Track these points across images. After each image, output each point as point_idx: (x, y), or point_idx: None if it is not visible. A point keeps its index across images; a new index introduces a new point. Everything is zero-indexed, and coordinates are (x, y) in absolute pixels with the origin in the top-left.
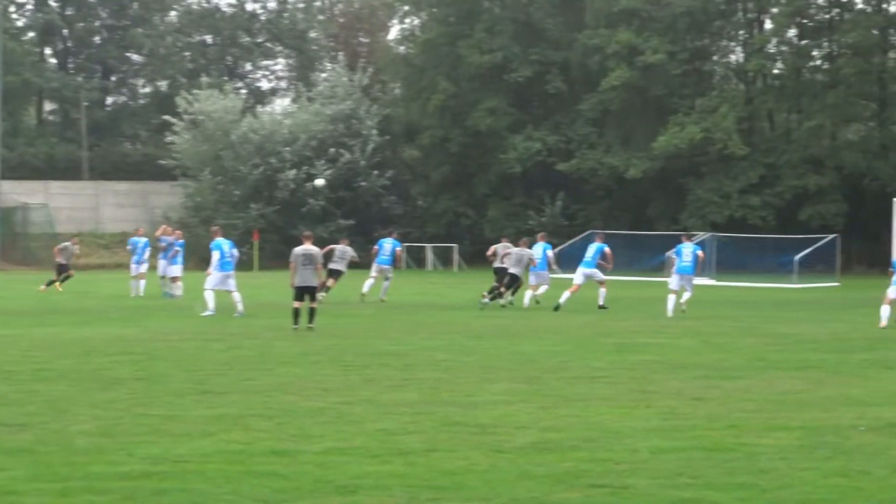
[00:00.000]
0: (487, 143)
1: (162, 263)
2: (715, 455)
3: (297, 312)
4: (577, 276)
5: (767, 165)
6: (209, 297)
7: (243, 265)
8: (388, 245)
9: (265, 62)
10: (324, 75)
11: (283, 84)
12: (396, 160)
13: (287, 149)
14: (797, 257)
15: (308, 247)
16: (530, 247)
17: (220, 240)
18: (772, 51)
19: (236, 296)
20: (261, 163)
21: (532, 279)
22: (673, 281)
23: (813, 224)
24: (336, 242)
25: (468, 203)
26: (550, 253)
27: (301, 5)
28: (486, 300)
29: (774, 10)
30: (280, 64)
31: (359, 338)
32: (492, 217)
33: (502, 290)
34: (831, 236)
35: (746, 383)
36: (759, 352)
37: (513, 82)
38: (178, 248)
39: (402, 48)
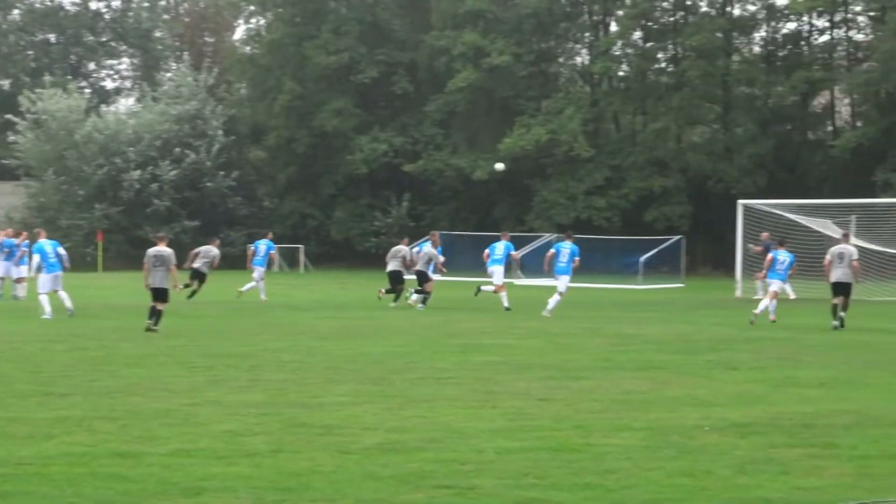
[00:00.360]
0: (334, 144)
1: (5, 265)
2: (561, 455)
3: (157, 313)
4: (497, 276)
5: (613, 167)
6: (44, 301)
7: (87, 266)
8: (262, 247)
9: (109, 61)
10: (169, 75)
11: (128, 84)
12: (242, 161)
13: (132, 149)
14: (642, 258)
15: (160, 248)
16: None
17: (41, 242)
18: (617, 53)
19: (62, 294)
20: (105, 163)
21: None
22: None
23: (658, 225)
24: (205, 244)
25: (314, 204)
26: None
27: (146, 4)
28: (421, 307)
29: (620, 12)
30: (125, 63)
31: (205, 339)
32: (338, 218)
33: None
34: (676, 238)
35: (592, 384)
36: (604, 352)
37: (359, 83)
38: (24, 249)
39: (247, 48)
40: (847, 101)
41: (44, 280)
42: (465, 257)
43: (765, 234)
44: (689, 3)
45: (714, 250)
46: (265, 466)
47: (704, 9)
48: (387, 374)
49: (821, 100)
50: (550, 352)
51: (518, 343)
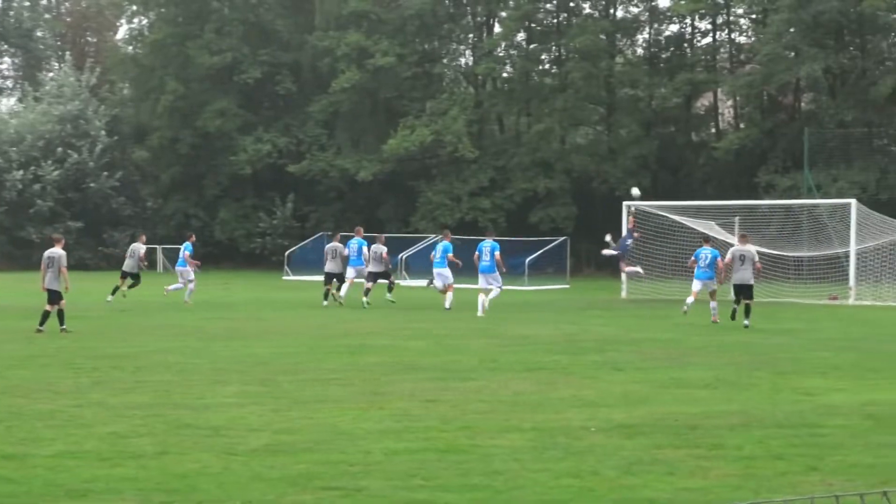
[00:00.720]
0: (217, 145)
1: None
2: (448, 456)
3: (45, 315)
4: (444, 278)
5: (497, 168)
6: None
7: None
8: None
9: None
10: (51, 75)
11: (9, 83)
12: (126, 161)
13: (13, 149)
14: (528, 260)
15: (53, 250)
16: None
17: None
18: (501, 54)
19: None
20: None
21: (482, 282)
22: (481, 281)
23: (543, 227)
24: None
25: (199, 204)
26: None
27: (27, 3)
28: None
29: (503, 14)
30: (6, 63)
31: (89, 340)
32: (223, 218)
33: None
34: (561, 239)
35: (479, 385)
36: (491, 353)
37: (242, 83)
38: None
39: (130, 48)
40: (730, 103)
41: None
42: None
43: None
44: (572, 4)
45: (599, 251)
46: (151, 468)
47: (588, 10)
48: (273, 376)
49: (704, 102)
50: (437, 353)
51: (405, 344)
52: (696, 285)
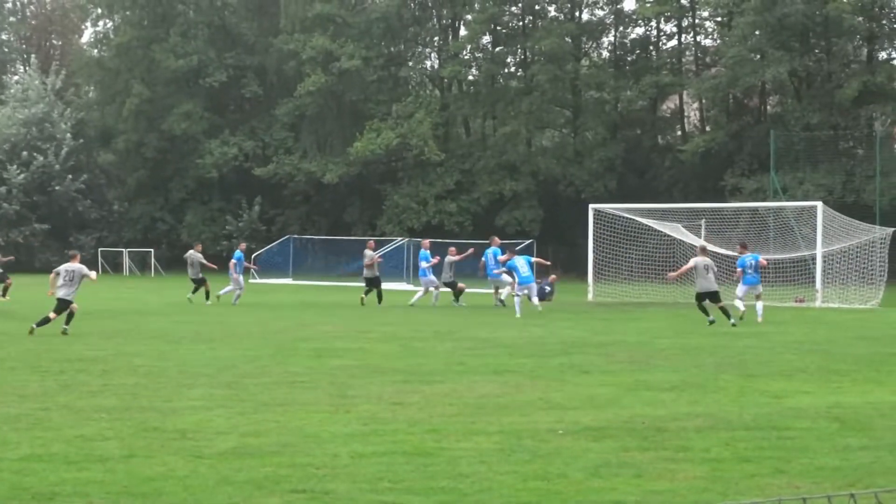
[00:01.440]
0: (184, 148)
1: None
2: (415, 459)
3: (46, 320)
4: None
5: (463, 171)
6: None
7: None
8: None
9: None
10: (16, 78)
11: None
12: (91, 164)
13: None
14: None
15: (72, 265)
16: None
17: None
18: (466, 57)
19: None
20: None
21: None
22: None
23: (510, 229)
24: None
25: (165, 208)
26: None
27: None
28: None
29: (468, 16)
30: None
31: (55, 343)
32: (189, 222)
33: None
34: (527, 241)
35: (446, 388)
36: (457, 356)
37: (208, 87)
38: None
39: (95, 51)
40: (696, 105)
41: None
42: (316, 262)
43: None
44: (537, 7)
45: (565, 253)
46: (118, 471)
47: (553, 13)
48: (240, 379)
49: (670, 104)
50: (404, 356)
51: (371, 347)
52: (742, 290)
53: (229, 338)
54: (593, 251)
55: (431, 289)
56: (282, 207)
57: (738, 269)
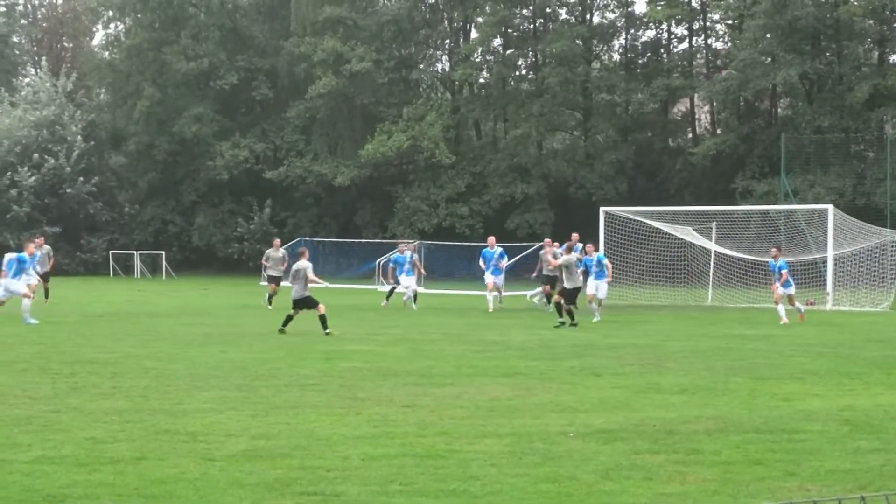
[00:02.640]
0: (194, 150)
1: None
2: (426, 462)
3: (288, 318)
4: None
5: (474, 174)
6: None
7: None
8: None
9: None
10: (27, 80)
11: None
12: (103, 167)
13: None
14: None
15: (300, 262)
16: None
17: None
18: (477, 60)
19: None
20: None
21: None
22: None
23: (521, 232)
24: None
25: (176, 210)
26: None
27: (2, 9)
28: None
29: (480, 19)
30: None
31: (66, 346)
32: (200, 224)
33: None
34: (538, 244)
35: (457, 390)
36: (468, 359)
37: (219, 89)
38: None
39: (106, 54)
40: (707, 108)
41: None
42: (327, 264)
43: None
44: (548, 10)
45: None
46: (129, 473)
47: (564, 16)
48: (251, 381)
49: (681, 107)
50: (414, 358)
51: (382, 350)
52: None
53: (240, 340)
54: (604, 254)
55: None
56: (293, 210)
57: (784, 272)
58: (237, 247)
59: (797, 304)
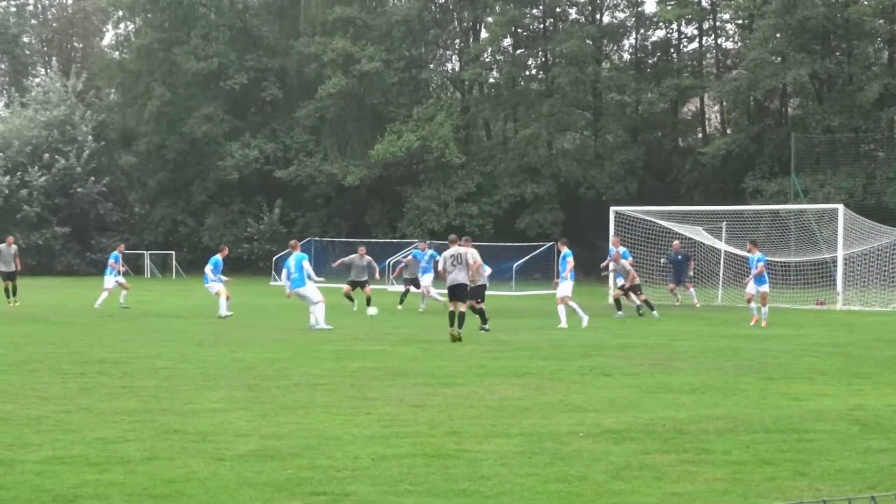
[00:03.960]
0: (204, 150)
1: None
2: (436, 461)
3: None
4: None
5: (485, 174)
6: None
7: None
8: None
9: None
10: (37, 80)
11: None
12: (113, 167)
13: (0, 154)
14: (515, 265)
15: (456, 248)
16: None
17: None
18: (487, 60)
19: None
20: None
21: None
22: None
23: (531, 232)
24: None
25: (186, 210)
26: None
27: (13, 9)
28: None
29: (489, 19)
30: None
31: (76, 346)
32: (210, 224)
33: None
34: (548, 244)
35: (467, 390)
36: (478, 359)
37: (229, 89)
38: None
39: (116, 53)
40: (717, 108)
41: None
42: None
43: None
44: (558, 10)
45: (585, 256)
46: (139, 473)
47: (574, 16)
48: (260, 381)
49: (691, 107)
50: (424, 358)
51: (392, 350)
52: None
53: (250, 340)
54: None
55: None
56: (302, 210)
57: (760, 265)
58: (247, 247)
59: (755, 305)
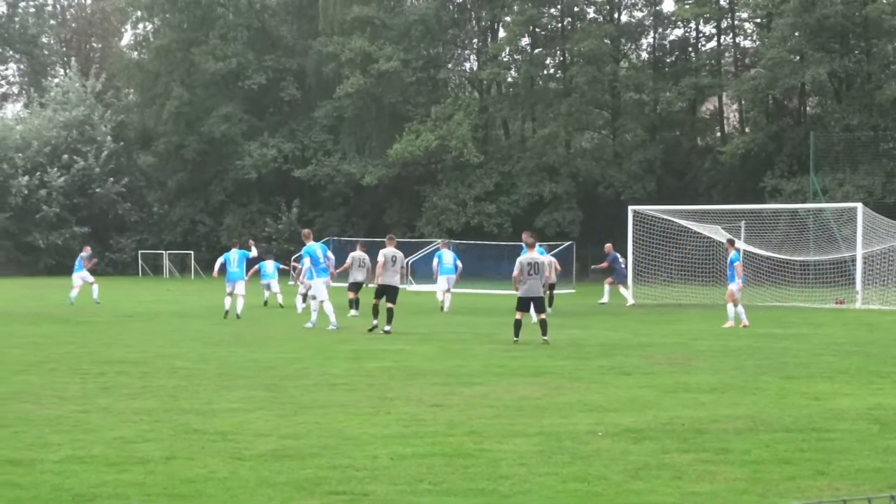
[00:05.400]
0: (223, 150)
1: None
2: (455, 461)
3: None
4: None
5: (503, 173)
6: None
7: None
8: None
9: None
10: (56, 81)
11: (15, 90)
12: (132, 167)
13: (19, 155)
14: None
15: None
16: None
17: None
18: (505, 59)
19: None
20: None
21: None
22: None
23: (549, 231)
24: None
25: (205, 210)
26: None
27: (32, 10)
28: None
29: (507, 18)
30: (11, 69)
31: (95, 346)
32: (229, 224)
33: None
34: (567, 243)
35: (485, 389)
36: (497, 358)
37: (247, 89)
38: None
39: (135, 54)
40: (735, 107)
41: None
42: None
43: (608, 246)
44: (576, 9)
45: (604, 256)
46: (158, 473)
47: (592, 15)
48: (279, 381)
49: (709, 106)
50: (443, 358)
51: (411, 349)
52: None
53: (268, 340)
54: (633, 253)
55: None
56: (321, 209)
57: (736, 264)
58: (265, 246)
59: (730, 307)
